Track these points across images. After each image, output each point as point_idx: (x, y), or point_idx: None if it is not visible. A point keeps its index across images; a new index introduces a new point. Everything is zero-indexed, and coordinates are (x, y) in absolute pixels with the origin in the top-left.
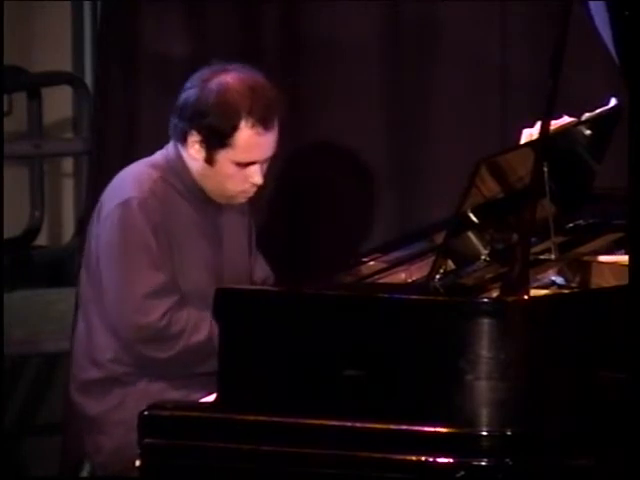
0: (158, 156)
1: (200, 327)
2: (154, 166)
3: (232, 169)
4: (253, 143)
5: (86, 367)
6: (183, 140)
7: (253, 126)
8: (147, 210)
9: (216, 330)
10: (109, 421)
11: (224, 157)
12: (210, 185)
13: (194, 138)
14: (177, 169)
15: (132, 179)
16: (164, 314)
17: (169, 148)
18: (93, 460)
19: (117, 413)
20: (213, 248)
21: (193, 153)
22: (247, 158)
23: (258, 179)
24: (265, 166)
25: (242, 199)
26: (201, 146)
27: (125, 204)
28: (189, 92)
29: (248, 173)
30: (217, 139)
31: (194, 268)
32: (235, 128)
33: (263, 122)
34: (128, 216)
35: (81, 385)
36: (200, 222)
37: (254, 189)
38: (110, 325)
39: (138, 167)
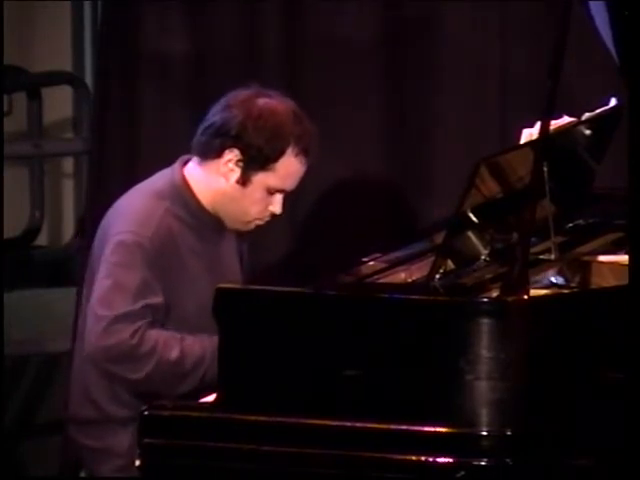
0: (162, 181)
1: (172, 345)
2: (160, 195)
3: (261, 194)
4: (292, 171)
5: (82, 405)
6: (217, 157)
7: (297, 154)
8: (146, 252)
9: (189, 350)
10: (105, 456)
11: (260, 180)
12: (229, 208)
13: (232, 156)
14: (183, 196)
15: (139, 215)
16: (134, 333)
17: (174, 172)
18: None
19: (111, 455)
20: (213, 276)
21: (225, 171)
22: (281, 185)
23: (279, 209)
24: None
25: (253, 226)
26: (237, 165)
27: (127, 242)
28: (231, 111)
29: (272, 201)
30: (260, 160)
31: (193, 297)
32: (282, 153)
33: (306, 152)
34: (125, 253)
35: (77, 423)
36: (202, 250)
37: (268, 218)
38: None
39: (146, 200)
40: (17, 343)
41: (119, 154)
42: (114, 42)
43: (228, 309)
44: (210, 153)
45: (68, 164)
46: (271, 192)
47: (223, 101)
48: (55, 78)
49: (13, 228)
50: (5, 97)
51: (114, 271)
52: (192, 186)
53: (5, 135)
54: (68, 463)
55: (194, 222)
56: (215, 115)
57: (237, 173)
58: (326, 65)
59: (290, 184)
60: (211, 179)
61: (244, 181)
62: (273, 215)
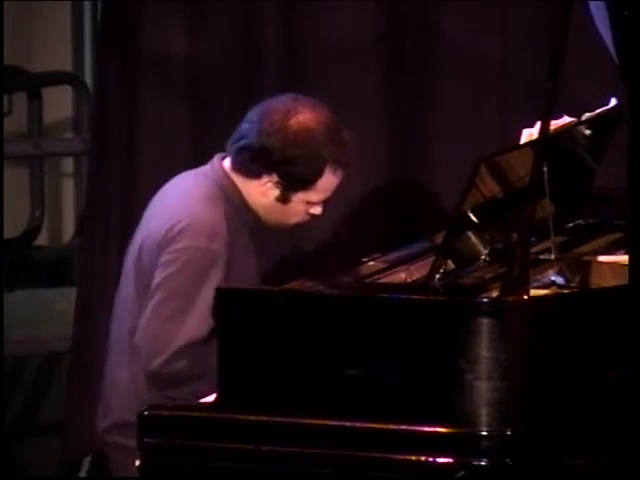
0: (208, 183)
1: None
2: (215, 200)
3: (303, 207)
4: (332, 185)
5: (132, 408)
6: (256, 177)
7: (335, 171)
8: (220, 266)
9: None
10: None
11: (300, 197)
12: (270, 217)
13: (271, 179)
14: (232, 199)
15: (209, 225)
16: (193, 361)
17: (217, 173)
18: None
19: None
20: (258, 272)
21: (264, 190)
22: (320, 198)
23: (319, 211)
24: None
25: (292, 227)
26: (276, 186)
27: (205, 254)
28: (268, 136)
29: (312, 207)
30: (299, 184)
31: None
32: (321, 174)
33: (344, 166)
34: (203, 267)
35: (121, 425)
36: (249, 249)
37: (308, 218)
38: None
39: (206, 208)
40: (17, 343)
41: (119, 154)
42: (114, 42)
43: (228, 309)
44: (248, 173)
45: (68, 164)
46: (313, 203)
47: (257, 117)
48: (55, 78)
49: (13, 228)
50: (5, 97)
51: (184, 291)
52: (237, 184)
53: (5, 135)
54: (68, 463)
55: (241, 222)
56: (250, 135)
57: (276, 192)
58: (326, 65)
59: (330, 193)
60: (250, 191)
61: (284, 199)
62: (313, 215)
